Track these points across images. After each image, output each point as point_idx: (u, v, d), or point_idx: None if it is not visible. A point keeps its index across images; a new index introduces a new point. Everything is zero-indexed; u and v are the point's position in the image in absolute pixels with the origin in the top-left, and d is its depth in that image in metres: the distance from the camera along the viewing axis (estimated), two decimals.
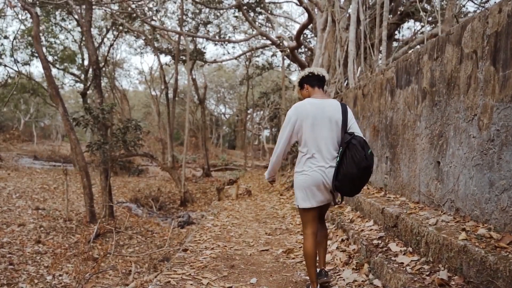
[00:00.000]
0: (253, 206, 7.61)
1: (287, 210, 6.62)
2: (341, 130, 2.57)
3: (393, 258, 2.72)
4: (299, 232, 4.70)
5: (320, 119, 2.56)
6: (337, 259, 3.32)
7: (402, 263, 2.59)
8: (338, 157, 2.52)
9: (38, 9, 15.24)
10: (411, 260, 2.58)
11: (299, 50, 15.10)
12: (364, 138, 2.56)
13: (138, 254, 6.29)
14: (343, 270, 3.11)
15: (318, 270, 2.82)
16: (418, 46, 6.09)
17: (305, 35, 15.43)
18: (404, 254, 2.74)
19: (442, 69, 3.22)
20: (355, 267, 3.04)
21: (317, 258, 2.75)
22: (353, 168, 2.43)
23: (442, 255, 2.39)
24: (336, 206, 2.76)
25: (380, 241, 3.15)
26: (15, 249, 7.18)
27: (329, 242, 3.91)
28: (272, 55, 19.07)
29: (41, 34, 17.27)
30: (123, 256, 7.90)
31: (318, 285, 2.58)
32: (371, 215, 3.88)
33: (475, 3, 11.42)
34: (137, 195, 14.57)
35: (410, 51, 4.29)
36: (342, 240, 3.74)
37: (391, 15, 10.78)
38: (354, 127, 2.62)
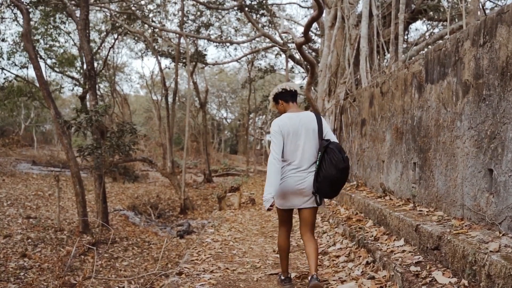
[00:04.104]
0: (258, 217, 6.99)
1: (295, 222, 5.99)
2: (318, 137, 2.82)
3: None
4: None
5: (300, 131, 2.80)
6: None
7: None
8: (318, 161, 2.77)
9: (37, 11, 14.81)
10: None
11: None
12: (339, 143, 2.84)
13: (128, 277, 5.67)
14: None
15: (309, 277, 2.78)
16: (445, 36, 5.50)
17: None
18: None
19: (492, 56, 2.63)
20: None
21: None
22: (332, 170, 2.70)
23: None
24: (321, 208, 2.80)
25: (419, 268, 2.54)
26: None
27: (351, 264, 3.30)
28: (277, 54, 18.51)
29: (39, 37, 16.81)
30: (116, 270, 7.30)
31: (289, 274, 2.97)
32: (400, 232, 3.28)
33: (491, 1, 10.89)
34: (135, 202, 13.96)
35: (445, 37, 3.69)
36: (368, 263, 3.13)
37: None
38: (329, 134, 2.88)
